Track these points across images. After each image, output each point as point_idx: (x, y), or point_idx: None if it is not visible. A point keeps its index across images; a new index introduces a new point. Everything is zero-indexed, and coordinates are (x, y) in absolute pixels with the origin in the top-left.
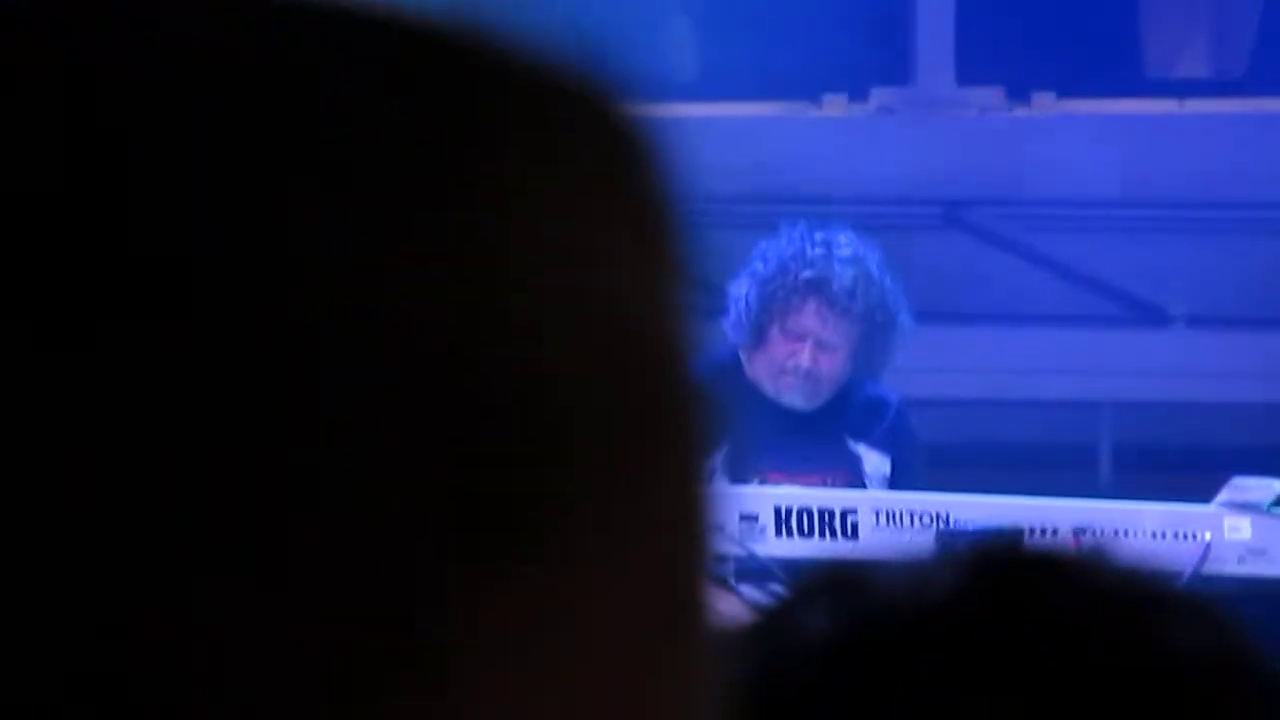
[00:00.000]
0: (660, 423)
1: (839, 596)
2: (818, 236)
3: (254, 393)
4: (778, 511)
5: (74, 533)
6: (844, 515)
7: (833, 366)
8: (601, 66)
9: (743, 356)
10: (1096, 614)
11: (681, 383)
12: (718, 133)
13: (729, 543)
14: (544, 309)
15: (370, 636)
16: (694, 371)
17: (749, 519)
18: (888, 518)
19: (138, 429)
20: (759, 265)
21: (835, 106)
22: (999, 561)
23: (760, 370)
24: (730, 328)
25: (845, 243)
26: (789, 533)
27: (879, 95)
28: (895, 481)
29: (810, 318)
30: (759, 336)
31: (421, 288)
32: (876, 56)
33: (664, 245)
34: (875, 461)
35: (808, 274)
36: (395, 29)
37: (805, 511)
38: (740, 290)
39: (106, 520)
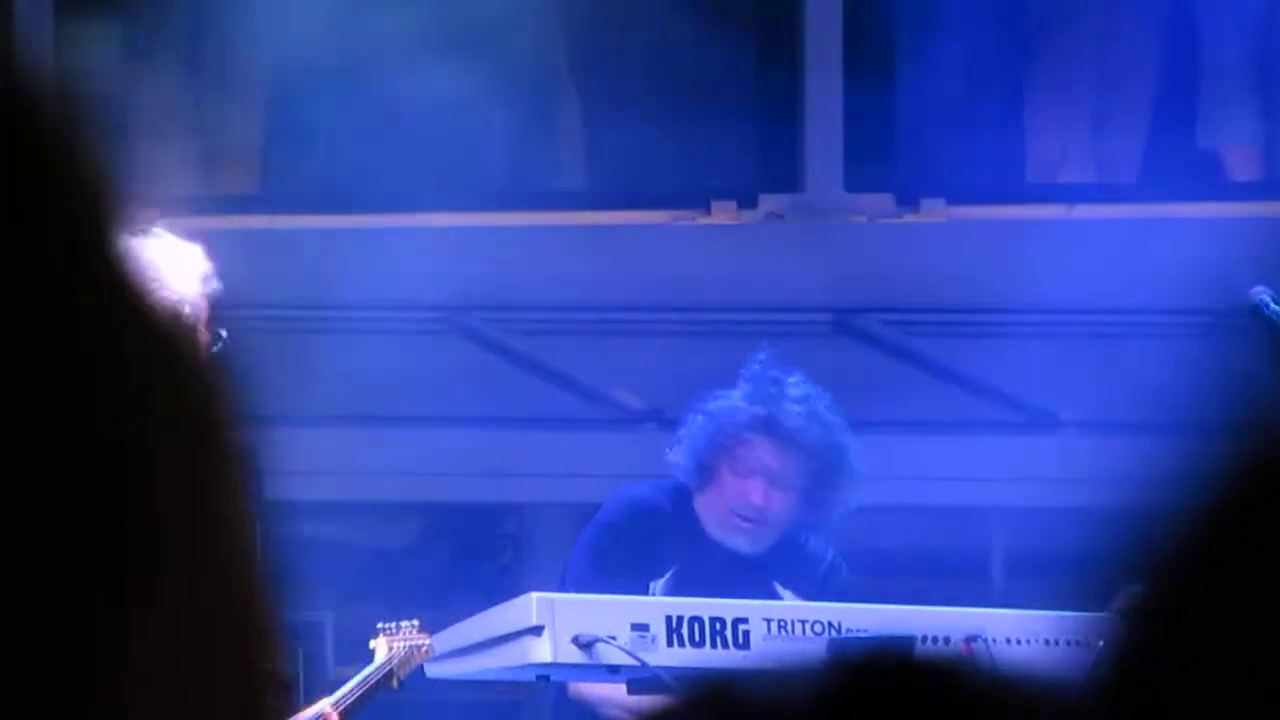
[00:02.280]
0: (186, 410)
1: (715, 707)
2: (769, 375)
3: None
4: (669, 620)
5: None
6: (735, 624)
7: (783, 506)
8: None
9: (694, 494)
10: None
11: (195, 370)
12: (608, 240)
13: (620, 654)
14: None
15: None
16: (201, 357)
17: (640, 628)
18: (779, 627)
19: None
20: (709, 405)
21: (724, 213)
22: (867, 671)
23: (708, 510)
24: (678, 464)
25: (795, 382)
26: (680, 642)
27: (768, 202)
28: None
29: (762, 453)
30: (708, 475)
31: None
32: (766, 163)
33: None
34: None
35: (759, 410)
36: None
37: (696, 621)
38: (690, 429)
39: None
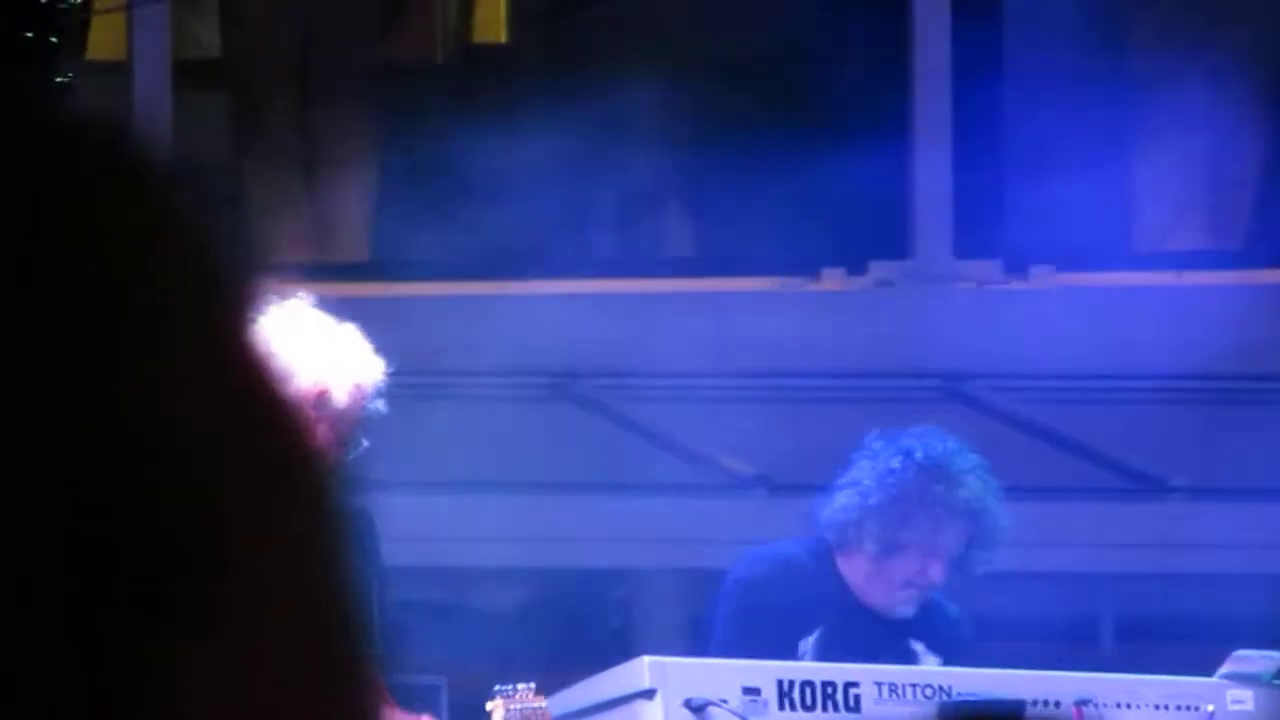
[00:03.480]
0: (286, 485)
1: None
2: (937, 449)
3: None
4: (780, 684)
5: None
6: (846, 688)
7: (943, 575)
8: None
9: (840, 560)
10: None
11: (298, 444)
12: (720, 307)
13: (732, 717)
14: (171, 393)
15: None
16: (309, 431)
17: (752, 692)
18: (890, 690)
19: None
20: (873, 477)
21: (834, 280)
22: None
23: (870, 580)
24: (843, 536)
25: (959, 452)
26: (792, 706)
27: (878, 268)
28: None
29: (956, 534)
30: (889, 547)
31: (59, 387)
32: (875, 229)
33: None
34: (931, 663)
35: (964, 494)
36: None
37: (808, 685)
38: (866, 501)
39: None
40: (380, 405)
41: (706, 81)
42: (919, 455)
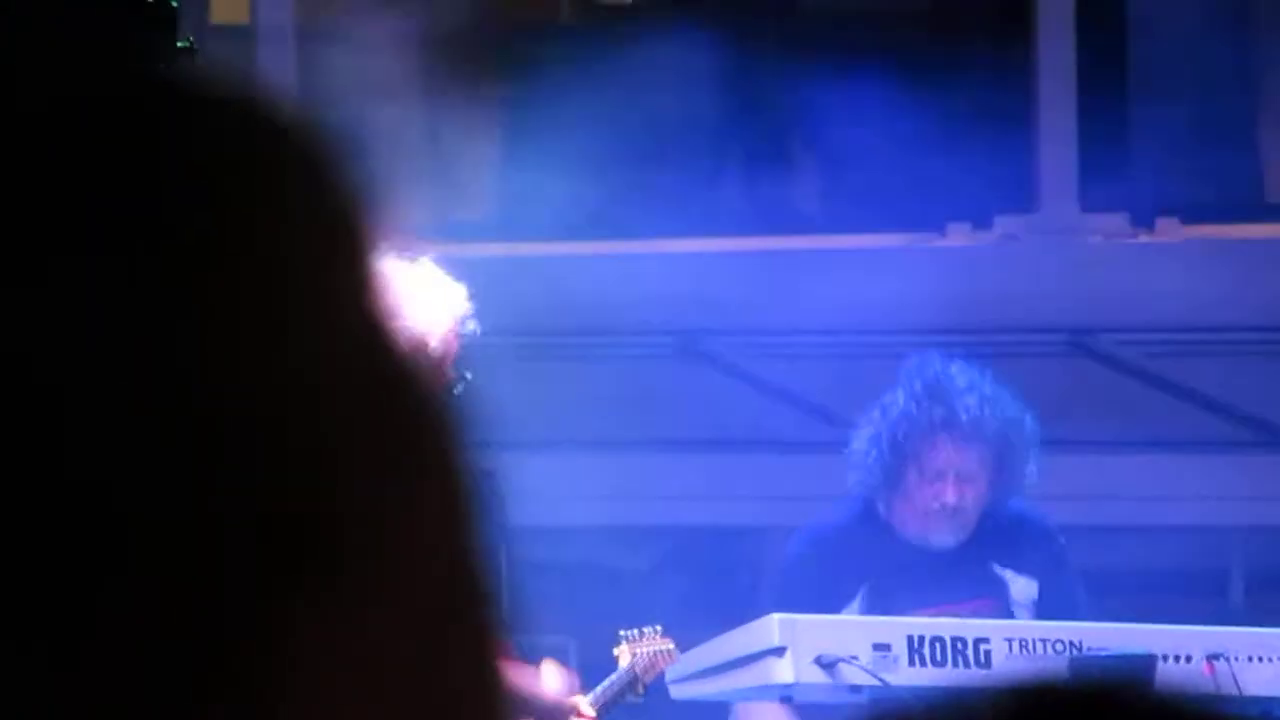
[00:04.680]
0: (414, 446)
1: None
2: (934, 373)
3: (30, 472)
4: (910, 641)
5: None
6: (976, 644)
7: (976, 497)
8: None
9: (880, 504)
10: None
11: (428, 406)
12: (846, 264)
13: (862, 674)
14: (297, 356)
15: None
16: (439, 393)
17: (882, 648)
18: (1020, 646)
19: None
20: (879, 415)
21: (960, 235)
22: (1043, 700)
23: (903, 516)
24: (861, 480)
25: (958, 371)
26: (922, 662)
27: (1003, 223)
28: (1044, 606)
29: (946, 453)
30: (896, 482)
31: (185, 350)
32: (1000, 184)
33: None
34: (1022, 586)
35: (938, 411)
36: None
37: (938, 640)
38: (864, 441)
39: None
40: (468, 374)
41: (830, 40)
42: (916, 383)
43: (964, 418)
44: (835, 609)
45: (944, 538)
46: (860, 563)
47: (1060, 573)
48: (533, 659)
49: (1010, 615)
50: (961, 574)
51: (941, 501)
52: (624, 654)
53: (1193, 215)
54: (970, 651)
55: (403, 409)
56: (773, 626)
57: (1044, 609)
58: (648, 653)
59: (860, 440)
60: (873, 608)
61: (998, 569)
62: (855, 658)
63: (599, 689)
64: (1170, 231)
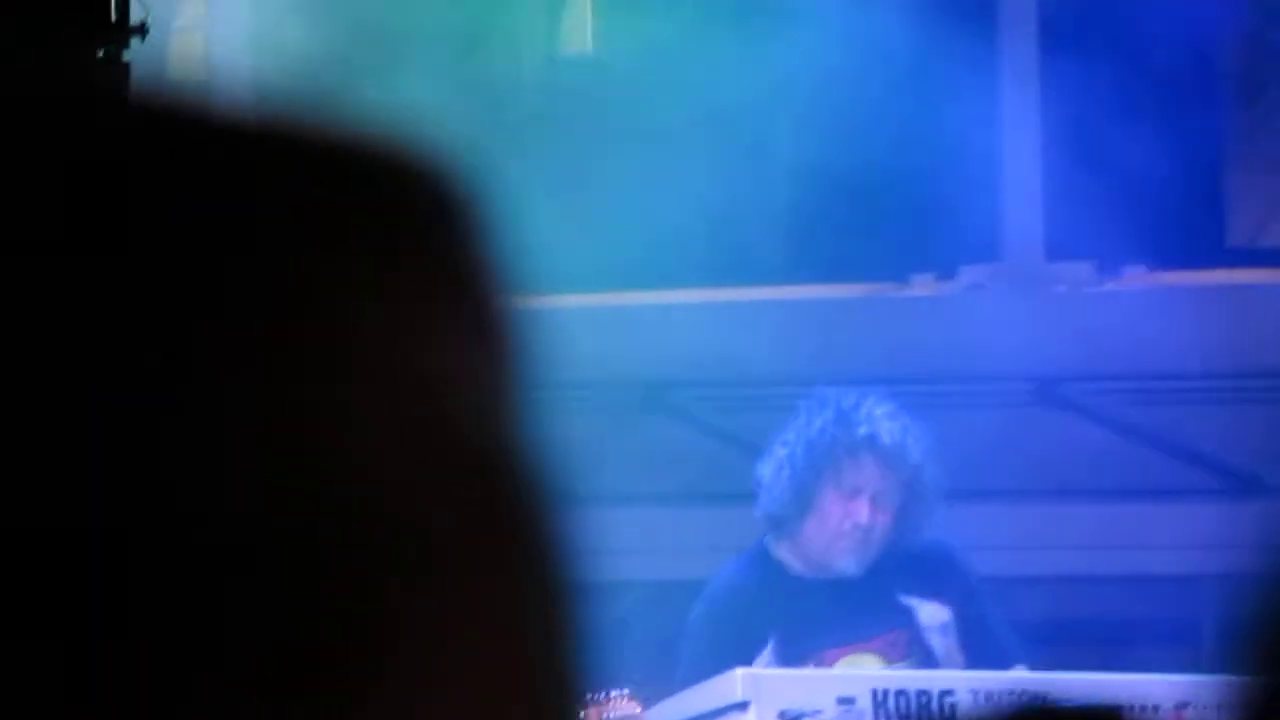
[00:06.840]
0: (494, 534)
1: None
2: (851, 399)
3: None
4: (875, 694)
5: None
6: (941, 696)
7: (885, 524)
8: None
9: (782, 540)
10: None
11: (516, 492)
12: (807, 314)
13: None
14: (382, 436)
15: None
16: (529, 474)
17: (846, 701)
18: (985, 697)
19: None
20: (794, 437)
21: (924, 285)
22: None
23: (810, 537)
24: (766, 507)
25: (876, 402)
26: (887, 715)
27: (968, 272)
28: (962, 627)
29: (868, 471)
30: (808, 500)
31: (263, 422)
32: (964, 234)
33: (498, 349)
34: (930, 611)
35: (863, 429)
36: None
37: (902, 694)
38: (779, 462)
39: None
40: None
41: (795, 90)
42: (836, 406)
43: (887, 441)
44: (747, 663)
45: (848, 562)
46: (764, 612)
47: (967, 590)
48: None
49: (924, 643)
50: (868, 608)
51: (854, 521)
52: (590, 717)
53: (1159, 261)
54: (935, 704)
55: (499, 502)
56: (736, 681)
57: (963, 629)
58: (613, 717)
59: (768, 466)
60: (785, 655)
61: (903, 598)
62: (820, 712)
63: None
64: (1137, 279)
